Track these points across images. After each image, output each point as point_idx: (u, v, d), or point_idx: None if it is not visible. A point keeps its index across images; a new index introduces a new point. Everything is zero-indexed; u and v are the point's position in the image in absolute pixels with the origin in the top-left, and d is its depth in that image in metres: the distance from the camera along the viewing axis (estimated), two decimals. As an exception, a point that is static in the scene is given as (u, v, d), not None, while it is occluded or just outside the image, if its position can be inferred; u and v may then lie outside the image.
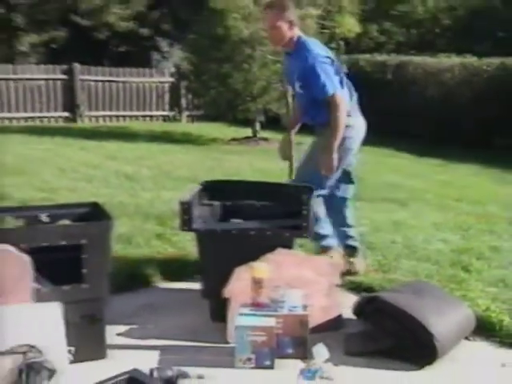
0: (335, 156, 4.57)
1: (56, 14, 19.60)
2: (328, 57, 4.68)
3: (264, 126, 13.74)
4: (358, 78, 14.25)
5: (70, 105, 16.52)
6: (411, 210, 7.24)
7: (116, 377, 3.21)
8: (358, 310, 3.95)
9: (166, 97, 17.75)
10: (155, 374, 3.31)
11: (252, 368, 3.52)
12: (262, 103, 11.60)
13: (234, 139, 13.79)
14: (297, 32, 4.65)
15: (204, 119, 16.80)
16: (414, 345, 3.63)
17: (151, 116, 17.52)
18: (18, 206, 4.61)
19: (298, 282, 3.81)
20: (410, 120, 14.35)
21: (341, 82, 4.70)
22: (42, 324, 3.18)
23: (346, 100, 4.66)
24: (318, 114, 4.72)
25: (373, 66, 15.56)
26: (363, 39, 17.13)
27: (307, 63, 4.54)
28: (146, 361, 3.54)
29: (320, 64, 4.54)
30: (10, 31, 19.83)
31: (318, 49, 4.66)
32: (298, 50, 4.65)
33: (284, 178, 6.41)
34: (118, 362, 3.51)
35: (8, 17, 19.03)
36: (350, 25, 6.59)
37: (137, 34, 20.89)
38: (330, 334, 3.85)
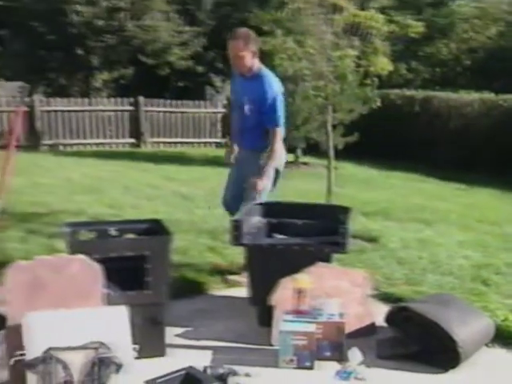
0: (270, 178, 4.69)
1: (126, 55, 19.92)
2: (282, 93, 4.74)
3: (305, 152, 13.71)
4: (389, 110, 14.23)
5: (135, 132, 16.69)
6: (436, 229, 7.13)
7: (175, 372, 3.23)
8: (389, 318, 3.90)
9: (219, 125, 17.83)
10: (208, 371, 3.32)
11: (294, 368, 3.50)
12: (304, 132, 11.58)
13: (277, 163, 13.78)
14: (256, 62, 4.63)
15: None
16: (439, 350, 3.58)
17: (205, 142, 17.60)
18: (90, 221, 4.65)
19: (335, 292, 3.78)
20: (435, 148, 14.20)
21: None
22: (111, 324, 3.21)
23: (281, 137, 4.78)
24: (258, 140, 4.72)
25: (402, 99, 15.47)
26: (394, 76, 17.00)
27: (269, 95, 4.55)
28: (200, 359, 3.54)
29: (279, 99, 4.61)
30: (87, 70, 20.21)
31: (277, 84, 4.65)
32: (258, 79, 4.61)
33: (322, 199, 6.38)
34: (176, 360, 3.53)
35: (87, 58, 19.40)
36: (383, 64, 6.57)
37: (194, 71, 21.06)
38: (364, 339, 3.82)
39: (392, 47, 15.19)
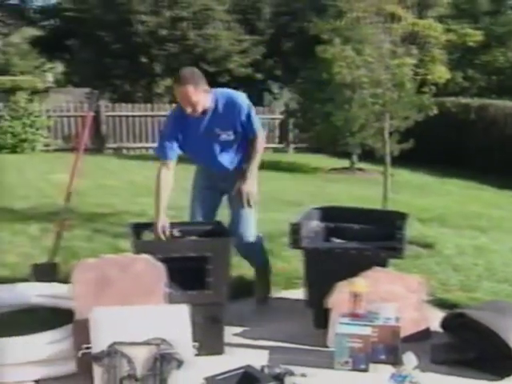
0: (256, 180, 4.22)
1: (188, 63, 20.15)
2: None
3: (360, 158, 13.63)
4: (444, 118, 14.05)
5: (195, 137, 16.86)
6: (491, 236, 6.97)
7: (233, 370, 3.25)
8: (445, 323, 3.84)
9: (276, 131, 17.87)
10: (265, 370, 3.32)
11: (349, 370, 3.48)
12: (360, 138, 11.49)
13: (333, 169, 13.73)
14: (209, 94, 4.05)
15: (308, 151, 16.78)
16: (494, 357, 3.49)
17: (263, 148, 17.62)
18: (152, 222, 4.67)
19: (391, 296, 3.73)
20: (490, 156, 13.91)
21: None
22: (173, 322, 3.25)
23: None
24: (241, 159, 4.27)
25: (457, 107, 15.20)
26: (450, 84, 16.73)
27: (243, 109, 4.12)
28: (257, 358, 3.55)
29: (252, 108, 4.21)
30: (150, 77, 20.55)
31: (240, 96, 4.18)
32: (222, 105, 4.09)
33: (377, 205, 6.32)
34: (234, 358, 3.56)
35: (150, 66, 19.72)
36: (441, 72, 6.46)
37: (252, 78, 21.18)
38: (419, 344, 3.74)
39: (449, 56, 14.95)
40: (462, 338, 3.70)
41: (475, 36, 18.74)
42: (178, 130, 4.14)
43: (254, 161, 4.20)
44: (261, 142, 4.27)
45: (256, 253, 4.56)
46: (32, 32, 25.27)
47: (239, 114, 4.14)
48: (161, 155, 4.15)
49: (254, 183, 4.15)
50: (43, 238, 5.99)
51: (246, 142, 4.27)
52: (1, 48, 27.33)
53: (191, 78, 3.92)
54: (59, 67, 27.00)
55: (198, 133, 4.15)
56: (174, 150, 4.15)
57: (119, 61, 19.76)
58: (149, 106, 16.89)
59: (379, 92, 6.38)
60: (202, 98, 3.97)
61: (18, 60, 26.74)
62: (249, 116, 4.18)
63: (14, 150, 14.50)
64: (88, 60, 20.05)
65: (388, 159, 6.53)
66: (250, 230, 4.33)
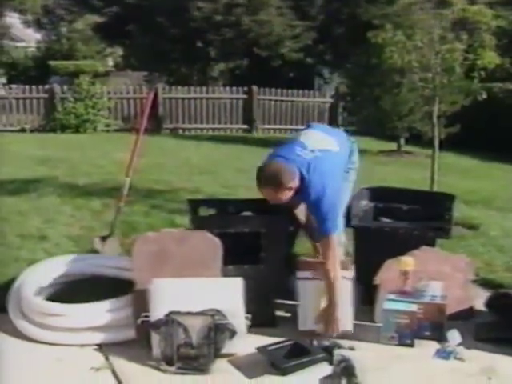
0: None
1: (242, 48, 20.16)
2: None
3: (407, 141, 13.41)
4: (491, 104, 13.60)
5: (248, 119, 16.87)
6: (537, 219, 6.80)
7: (284, 342, 3.27)
8: (490, 303, 3.79)
9: (326, 114, 17.71)
10: (314, 343, 3.33)
11: (395, 345, 3.46)
12: (408, 122, 11.33)
13: (381, 151, 13.54)
14: (296, 181, 3.46)
15: (356, 134, 16.56)
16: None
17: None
18: (213, 198, 4.69)
19: (438, 275, 3.69)
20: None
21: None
22: (227, 294, 3.29)
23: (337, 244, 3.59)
24: None
25: (504, 93, 14.79)
26: (497, 70, 16.28)
27: (310, 200, 3.52)
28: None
29: (324, 199, 3.46)
30: (205, 61, 20.62)
31: (322, 177, 3.48)
32: (301, 190, 3.51)
33: (424, 186, 6.23)
34: (284, 330, 3.57)
35: (206, 50, 19.78)
36: (491, 57, 6.31)
37: (303, 63, 21.04)
38: (463, 322, 3.70)
39: (498, 42, 14.55)
40: (505, 317, 3.65)
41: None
42: None
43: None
44: (324, 248, 3.56)
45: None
46: (95, 19, 25.60)
47: (308, 199, 3.55)
48: None
49: None
50: (104, 213, 6.08)
51: None
52: (66, 34, 27.81)
53: (271, 181, 3.44)
54: (119, 52, 27.34)
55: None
56: None
57: (176, 45, 19.85)
58: (204, 88, 16.93)
59: (429, 76, 6.28)
60: (286, 195, 3.48)
61: (81, 45, 27.18)
62: (316, 204, 3.51)
63: (77, 129, 14.80)
64: (146, 45, 20.23)
65: (436, 142, 6.43)
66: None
